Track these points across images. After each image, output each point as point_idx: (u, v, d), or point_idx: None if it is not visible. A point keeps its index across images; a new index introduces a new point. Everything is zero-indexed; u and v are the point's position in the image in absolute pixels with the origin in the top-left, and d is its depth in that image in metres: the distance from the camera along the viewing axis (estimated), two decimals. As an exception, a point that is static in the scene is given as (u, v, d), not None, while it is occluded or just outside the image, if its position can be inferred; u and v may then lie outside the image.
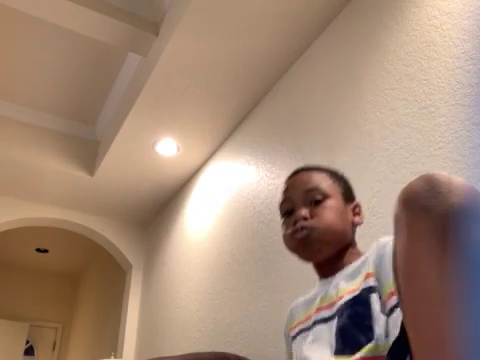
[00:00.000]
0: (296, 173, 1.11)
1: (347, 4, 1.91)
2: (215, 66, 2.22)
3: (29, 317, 5.18)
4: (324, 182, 1.06)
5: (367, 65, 1.71)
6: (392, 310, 0.83)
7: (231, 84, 2.33)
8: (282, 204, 1.08)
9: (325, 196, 1.03)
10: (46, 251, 4.98)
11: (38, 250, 4.94)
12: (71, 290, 5.63)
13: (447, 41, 1.39)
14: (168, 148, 2.79)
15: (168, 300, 2.97)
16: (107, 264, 4.25)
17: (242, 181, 2.39)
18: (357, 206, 1.09)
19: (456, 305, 0.54)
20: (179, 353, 1.43)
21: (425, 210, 0.58)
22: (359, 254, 1.02)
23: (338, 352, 0.88)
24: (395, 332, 0.80)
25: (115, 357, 3.20)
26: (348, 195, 1.08)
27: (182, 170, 3.00)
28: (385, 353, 0.82)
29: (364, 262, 0.94)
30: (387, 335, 0.83)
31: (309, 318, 1.00)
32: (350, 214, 1.06)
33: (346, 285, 0.94)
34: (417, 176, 0.63)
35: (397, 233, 0.63)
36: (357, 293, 0.90)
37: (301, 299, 1.10)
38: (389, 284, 0.86)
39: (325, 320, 0.94)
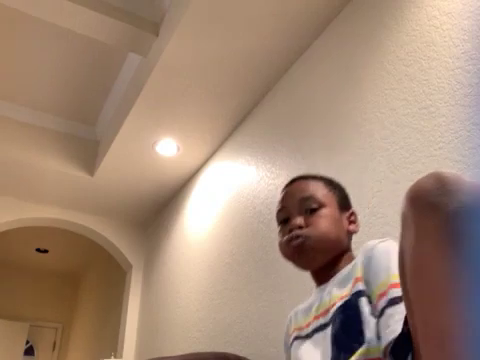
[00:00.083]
0: (293, 182, 1.13)
1: (347, 4, 1.91)
2: (215, 66, 2.22)
3: (29, 317, 5.18)
4: (320, 191, 1.07)
5: (367, 65, 1.71)
6: (382, 312, 0.84)
7: (231, 84, 2.33)
8: (279, 212, 1.11)
9: (320, 205, 1.05)
10: (46, 251, 4.98)
11: (38, 250, 4.94)
12: (71, 290, 5.63)
13: (447, 41, 1.39)
14: (168, 148, 2.79)
15: (168, 300, 2.97)
16: (107, 264, 4.25)
17: (242, 181, 2.39)
18: (352, 214, 1.10)
19: (465, 303, 0.53)
20: (179, 353, 1.43)
21: (434, 208, 0.57)
22: (352, 261, 1.02)
23: (334, 359, 0.89)
24: (385, 333, 0.81)
25: (115, 357, 3.20)
26: (343, 204, 1.09)
27: (182, 170, 2.99)
28: (377, 355, 0.82)
29: (354, 267, 0.96)
30: (378, 337, 0.83)
31: (308, 325, 1.01)
32: (345, 222, 1.07)
33: (338, 292, 0.96)
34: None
35: (404, 231, 0.63)
36: (347, 298, 0.92)
37: (300, 307, 1.11)
38: (378, 285, 0.87)
39: (322, 327, 0.96)
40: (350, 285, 0.93)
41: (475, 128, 1.23)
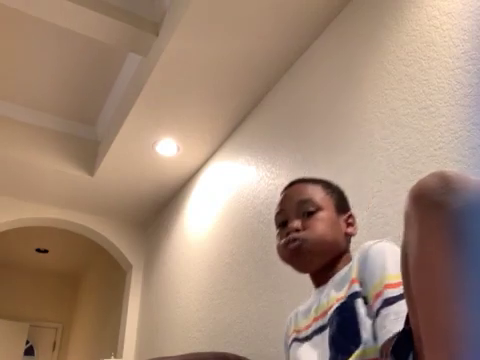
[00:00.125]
0: (291, 185, 1.14)
1: (347, 4, 1.91)
2: (215, 66, 2.22)
3: (29, 317, 5.17)
4: (317, 194, 1.08)
5: (367, 65, 1.71)
6: (377, 312, 0.85)
7: (231, 84, 2.33)
8: (277, 215, 1.12)
9: (317, 208, 1.05)
10: (46, 251, 4.98)
11: (38, 250, 4.94)
12: (71, 290, 5.63)
13: (447, 41, 1.39)
14: (168, 148, 2.79)
15: (168, 300, 2.97)
16: (107, 264, 4.24)
17: (242, 181, 2.39)
18: (350, 217, 1.11)
19: (470, 302, 0.53)
20: (179, 353, 1.43)
21: (439, 206, 0.57)
22: (350, 262, 1.03)
23: None
24: (381, 334, 0.81)
25: (115, 357, 3.20)
26: (341, 206, 1.10)
27: (182, 170, 2.99)
28: (374, 356, 0.83)
29: (350, 268, 0.96)
30: (375, 338, 0.84)
31: (308, 327, 1.02)
32: (343, 225, 1.08)
33: (336, 293, 0.96)
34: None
35: (407, 230, 0.63)
36: (343, 300, 0.92)
37: (300, 308, 1.12)
38: (373, 286, 0.88)
39: (320, 329, 0.97)
40: (347, 287, 0.94)
41: (475, 128, 1.23)
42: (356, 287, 0.91)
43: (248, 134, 2.47)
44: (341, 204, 1.10)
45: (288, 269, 1.11)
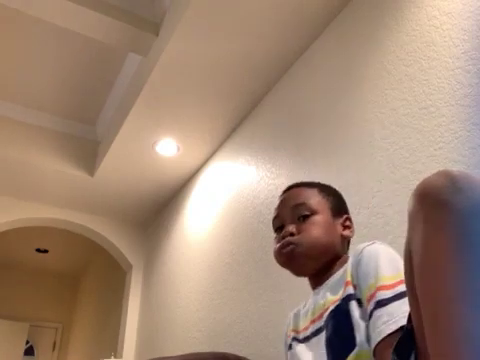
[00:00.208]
0: (288, 190, 1.15)
1: (347, 4, 1.91)
2: (215, 66, 2.22)
3: (29, 317, 5.17)
4: (313, 198, 1.09)
5: (367, 65, 1.71)
6: (371, 314, 0.85)
7: (231, 84, 2.33)
8: (274, 220, 1.13)
9: (312, 212, 1.06)
10: (46, 251, 4.98)
11: (38, 250, 4.94)
12: (71, 290, 5.63)
13: (447, 41, 1.39)
14: (168, 148, 2.79)
15: (168, 300, 2.97)
16: (107, 264, 4.24)
17: (242, 181, 2.39)
18: (347, 220, 1.11)
19: (475, 303, 0.53)
20: (179, 353, 1.43)
21: (445, 205, 0.57)
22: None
23: None
24: (374, 335, 0.82)
25: (115, 357, 3.20)
26: (337, 210, 1.10)
27: (182, 170, 2.99)
28: (368, 359, 0.83)
29: (345, 271, 0.97)
30: (368, 340, 0.84)
31: (306, 329, 1.03)
32: (339, 228, 1.08)
33: (331, 296, 0.97)
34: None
35: (412, 229, 0.62)
36: (338, 303, 0.93)
37: (299, 308, 1.12)
38: (367, 287, 0.88)
39: (318, 332, 0.98)
40: (342, 289, 0.94)
41: (475, 128, 1.23)
42: (350, 290, 0.92)
43: (248, 134, 2.47)
44: (337, 207, 1.11)
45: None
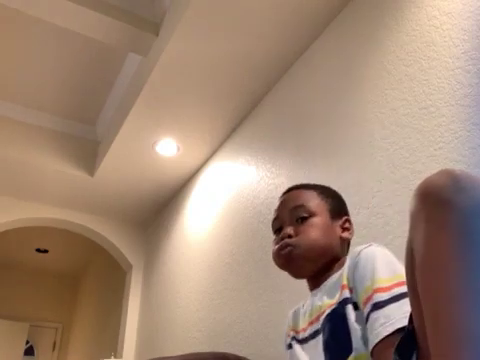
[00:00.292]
0: (287, 192, 1.15)
1: (347, 4, 1.91)
2: (215, 66, 2.22)
3: (29, 317, 5.17)
4: (312, 200, 1.09)
5: (367, 65, 1.71)
6: (368, 317, 0.85)
7: (231, 84, 2.33)
8: (273, 222, 1.13)
9: (311, 214, 1.06)
10: (46, 251, 4.98)
11: (38, 250, 4.94)
12: (71, 290, 5.63)
13: (447, 41, 1.39)
14: (168, 148, 2.79)
15: (168, 300, 2.97)
16: (107, 264, 4.24)
17: (242, 181, 2.39)
18: (346, 222, 1.11)
19: (477, 302, 0.53)
20: (179, 353, 1.43)
21: (447, 204, 0.57)
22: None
23: None
24: (371, 337, 0.82)
25: (115, 357, 3.20)
26: (336, 211, 1.10)
27: (182, 170, 2.99)
28: None
29: (341, 274, 0.97)
30: (365, 343, 0.84)
31: (305, 330, 1.03)
32: (338, 230, 1.08)
33: (328, 299, 0.97)
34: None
35: (414, 228, 0.62)
36: (334, 307, 0.93)
37: (300, 307, 1.12)
38: (364, 290, 0.88)
39: (315, 334, 0.98)
40: (338, 293, 0.94)
41: (475, 128, 1.23)
42: (346, 293, 0.92)
43: (248, 134, 2.47)
44: (336, 209, 1.10)
45: (288, 270, 1.11)
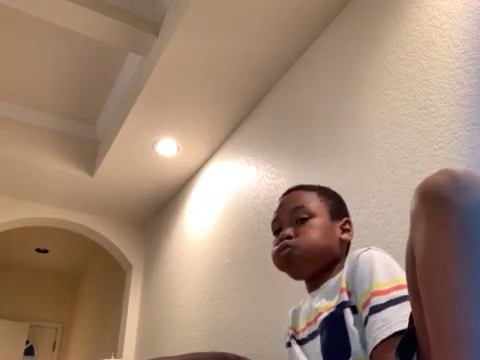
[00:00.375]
0: (287, 192, 1.15)
1: (347, 4, 1.91)
2: (215, 66, 2.22)
3: (29, 317, 5.17)
4: (311, 201, 1.09)
5: (367, 65, 1.71)
6: (366, 320, 0.85)
7: (231, 84, 2.33)
8: (273, 223, 1.13)
9: (310, 215, 1.06)
10: (46, 251, 4.98)
11: (38, 250, 4.94)
12: (71, 290, 5.63)
13: (447, 41, 1.39)
14: (168, 148, 2.79)
15: (168, 300, 2.97)
16: (107, 264, 4.24)
17: (242, 181, 2.39)
18: (346, 223, 1.10)
19: (478, 302, 0.53)
20: (179, 353, 1.43)
21: (448, 203, 0.57)
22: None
23: None
24: (370, 341, 0.82)
25: (115, 357, 3.20)
26: (336, 213, 1.10)
27: (182, 170, 2.99)
28: None
29: (340, 277, 0.97)
30: (363, 347, 0.84)
31: (303, 331, 1.04)
32: (338, 231, 1.08)
33: (327, 302, 0.97)
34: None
35: (414, 228, 0.62)
36: (333, 310, 0.93)
37: (301, 305, 1.12)
38: (363, 294, 0.88)
39: (313, 335, 0.98)
40: (337, 296, 0.94)
41: (475, 128, 1.23)
42: (345, 297, 0.91)
43: (248, 134, 2.47)
44: (336, 210, 1.10)
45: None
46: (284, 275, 1.10)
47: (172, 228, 3.20)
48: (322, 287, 1.02)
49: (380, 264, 0.88)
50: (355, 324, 0.87)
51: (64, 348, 5.41)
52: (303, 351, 1.01)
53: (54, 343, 5.41)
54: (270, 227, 1.15)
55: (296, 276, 1.09)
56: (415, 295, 0.62)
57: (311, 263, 1.04)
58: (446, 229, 0.56)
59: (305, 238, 1.03)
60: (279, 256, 1.05)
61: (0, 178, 3.07)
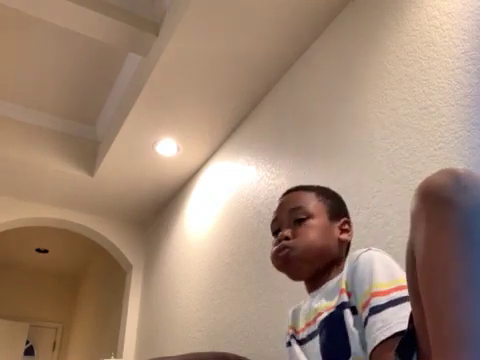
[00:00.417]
0: (286, 193, 1.15)
1: (347, 4, 1.91)
2: (215, 66, 2.22)
3: (29, 317, 5.17)
4: (310, 202, 1.08)
5: (367, 65, 1.71)
6: (366, 321, 0.85)
7: (231, 84, 2.33)
8: (272, 224, 1.14)
9: (309, 215, 1.06)
10: (46, 251, 4.98)
11: (38, 250, 4.94)
12: (71, 290, 5.63)
13: (447, 41, 1.39)
14: (168, 148, 2.79)
15: (168, 300, 2.97)
16: (107, 264, 4.24)
17: (242, 181, 2.39)
18: (345, 223, 1.10)
19: (478, 302, 0.53)
20: (179, 353, 1.43)
21: (449, 203, 0.57)
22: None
23: None
24: (369, 341, 0.82)
25: (115, 357, 3.20)
26: (335, 213, 1.10)
27: (182, 170, 2.99)
28: None
29: (340, 278, 0.97)
30: (363, 347, 0.84)
31: (303, 331, 1.04)
32: (337, 231, 1.07)
33: (326, 302, 0.97)
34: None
35: (415, 228, 0.62)
36: (332, 310, 0.93)
37: (301, 305, 1.12)
38: (362, 295, 0.88)
39: (312, 335, 0.98)
40: (337, 296, 0.94)
41: (475, 128, 1.23)
42: (344, 298, 0.91)
43: (248, 134, 2.47)
44: (335, 210, 1.10)
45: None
46: (284, 275, 1.11)
47: (172, 228, 3.20)
48: (322, 287, 1.02)
49: (380, 265, 0.88)
50: (355, 325, 0.87)
51: (64, 348, 5.41)
52: (303, 351, 1.01)
53: (54, 343, 5.41)
54: (269, 228, 1.15)
55: (294, 277, 1.09)
56: (415, 295, 0.62)
57: (309, 264, 1.04)
58: (447, 229, 0.56)
59: (303, 239, 1.03)
60: (277, 257, 1.06)
61: (0, 178, 3.07)
